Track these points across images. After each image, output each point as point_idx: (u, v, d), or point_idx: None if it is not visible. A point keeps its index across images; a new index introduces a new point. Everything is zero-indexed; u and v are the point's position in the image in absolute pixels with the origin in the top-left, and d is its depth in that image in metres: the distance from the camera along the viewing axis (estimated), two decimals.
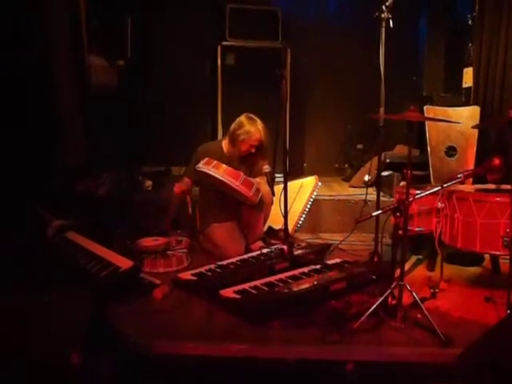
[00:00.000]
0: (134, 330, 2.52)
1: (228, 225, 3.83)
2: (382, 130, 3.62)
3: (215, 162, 3.52)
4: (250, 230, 3.84)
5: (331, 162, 6.05)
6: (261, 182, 3.70)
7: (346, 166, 5.88)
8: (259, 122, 3.79)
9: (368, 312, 2.59)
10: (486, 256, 3.66)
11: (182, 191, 3.76)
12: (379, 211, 2.92)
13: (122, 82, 5.02)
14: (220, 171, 3.47)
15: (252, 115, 3.83)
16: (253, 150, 3.79)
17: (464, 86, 4.98)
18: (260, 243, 3.84)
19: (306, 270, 3.18)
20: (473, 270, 3.65)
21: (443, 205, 3.23)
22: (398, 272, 2.75)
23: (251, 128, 3.75)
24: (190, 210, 3.80)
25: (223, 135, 4.03)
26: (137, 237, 3.71)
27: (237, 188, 3.46)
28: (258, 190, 3.56)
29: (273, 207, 3.85)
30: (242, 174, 3.55)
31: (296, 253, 3.42)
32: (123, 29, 4.97)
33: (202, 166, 3.54)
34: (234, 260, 3.42)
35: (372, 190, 4.12)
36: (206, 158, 3.57)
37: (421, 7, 5.70)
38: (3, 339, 2.14)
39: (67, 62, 4.06)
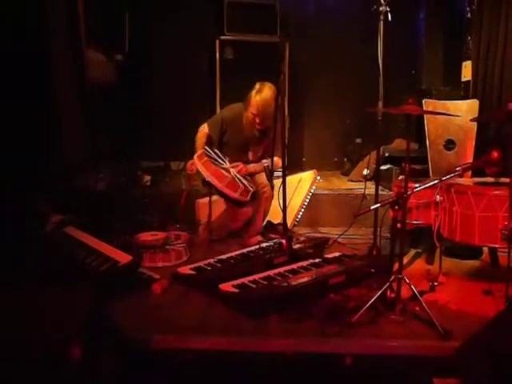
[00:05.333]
0: (134, 325, 2.52)
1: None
2: (380, 124, 3.61)
3: (205, 158, 3.63)
4: (249, 224, 3.84)
5: (330, 156, 6.05)
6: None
7: (345, 160, 5.88)
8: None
9: (367, 305, 2.59)
10: (485, 249, 3.66)
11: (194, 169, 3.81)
12: (378, 205, 2.92)
13: (120, 77, 5.02)
14: (209, 171, 3.61)
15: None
16: (255, 112, 3.79)
17: (463, 79, 4.98)
18: (259, 237, 3.84)
19: (304, 263, 3.18)
20: (471, 263, 3.65)
21: (442, 198, 3.23)
22: (396, 265, 2.74)
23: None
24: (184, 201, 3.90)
25: None
26: (135, 231, 3.71)
27: (221, 189, 3.59)
28: (246, 191, 3.61)
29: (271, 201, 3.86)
30: (230, 176, 3.63)
31: (295, 247, 3.42)
32: (121, 23, 4.96)
33: (196, 160, 3.67)
34: (232, 254, 3.43)
35: (371, 184, 4.11)
36: (200, 151, 3.64)
37: (419, 0, 5.68)
38: (2, 338, 2.14)
39: (65, 57, 4.05)
